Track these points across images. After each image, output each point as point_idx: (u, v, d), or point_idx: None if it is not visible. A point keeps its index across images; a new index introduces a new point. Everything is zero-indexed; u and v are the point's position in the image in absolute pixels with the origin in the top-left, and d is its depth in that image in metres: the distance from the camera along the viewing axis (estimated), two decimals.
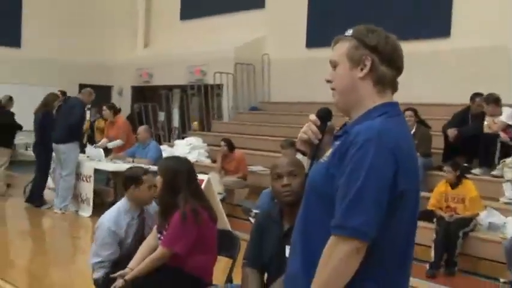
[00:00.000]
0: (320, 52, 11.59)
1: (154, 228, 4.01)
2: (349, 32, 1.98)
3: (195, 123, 14.65)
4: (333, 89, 2.01)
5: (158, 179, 3.89)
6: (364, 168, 1.77)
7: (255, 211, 8.08)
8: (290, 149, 8.41)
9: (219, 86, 13.92)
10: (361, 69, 1.93)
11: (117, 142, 10.40)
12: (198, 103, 14.81)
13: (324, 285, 1.79)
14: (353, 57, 1.94)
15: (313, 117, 2.10)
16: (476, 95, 8.76)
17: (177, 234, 3.78)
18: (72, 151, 9.32)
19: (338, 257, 1.77)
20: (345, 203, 1.78)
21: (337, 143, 1.93)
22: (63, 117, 9.51)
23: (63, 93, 10.78)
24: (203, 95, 14.21)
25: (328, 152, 1.98)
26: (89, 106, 13.30)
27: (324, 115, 2.11)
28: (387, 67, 1.93)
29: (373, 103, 1.93)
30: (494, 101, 8.23)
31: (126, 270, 3.82)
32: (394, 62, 1.95)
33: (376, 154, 1.78)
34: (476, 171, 8.19)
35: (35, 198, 9.79)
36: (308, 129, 2.09)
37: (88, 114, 14.54)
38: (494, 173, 8.01)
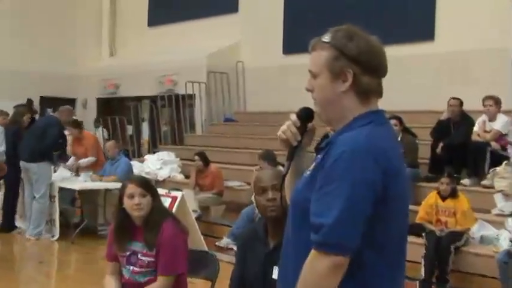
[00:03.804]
0: (298, 58, 11.61)
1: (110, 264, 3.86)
2: (327, 37, 1.98)
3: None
4: (314, 98, 2.05)
5: (145, 197, 3.75)
6: (344, 180, 1.80)
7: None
8: (268, 162, 8.42)
9: (191, 96, 13.90)
10: (343, 82, 1.95)
11: (90, 159, 10.23)
12: (169, 115, 14.78)
13: None
14: (333, 70, 1.95)
15: (293, 117, 2.13)
16: (452, 99, 8.86)
17: (176, 253, 3.70)
18: (45, 171, 9.13)
19: (317, 273, 1.81)
20: (324, 217, 1.81)
21: (321, 155, 1.95)
22: (35, 135, 9.31)
23: (30, 103, 10.59)
24: (174, 106, 14.19)
25: (312, 166, 2.00)
26: None
27: (305, 116, 2.13)
28: (370, 76, 1.95)
29: (357, 113, 1.96)
30: (499, 104, 8.36)
31: None
32: (377, 69, 1.98)
33: (357, 164, 1.81)
34: (465, 181, 8.26)
35: (7, 221, 9.63)
36: (287, 129, 2.12)
37: None
38: (484, 183, 8.09)
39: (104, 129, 14.99)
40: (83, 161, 10.23)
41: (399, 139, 8.41)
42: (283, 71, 12.83)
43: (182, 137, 14.09)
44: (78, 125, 10.57)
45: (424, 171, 8.84)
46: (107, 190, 9.33)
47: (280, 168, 7.75)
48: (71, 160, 10.56)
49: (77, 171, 10.12)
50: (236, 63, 14.13)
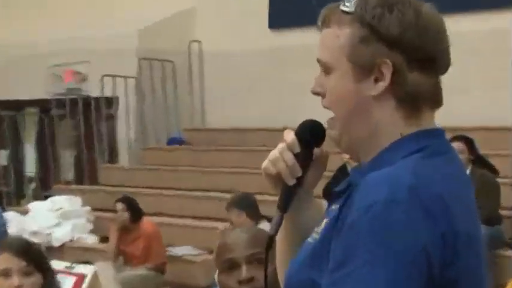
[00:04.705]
0: (297, 37, 11.74)
1: None
2: (349, 4, 1.98)
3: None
4: (326, 107, 2.05)
5: (30, 276, 3.77)
6: (375, 252, 1.79)
7: None
8: (245, 213, 8.42)
9: (111, 101, 13.95)
10: (375, 81, 1.95)
11: None
12: (72, 132, 14.78)
13: None
14: (359, 60, 1.96)
15: (289, 136, 2.11)
16: None
17: None
18: None
19: None
20: None
21: (336, 206, 1.96)
22: None
23: None
24: (82, 118, 14.25)
25: (322, 223, 2.00)
26: None
27: (309, 135, 2.12)
28: (421, 72, 1.95)
29: (398, 135, 1.96)
30: None
31: None
32: (433, 60, 1.97)
33: (397, 224, 1.79)
34: None
35: None
36: (280, 157, 2.10)
37: None
38: None
39: None
40: None
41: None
42: (271, 57, 13.00)
43: (95, 170, 14.16)
44: None
45: (511, 230, 8.90)
46: None
47: (265, 225, 7.74)
48: None
49: None
50: (189, 45, 14.32)
